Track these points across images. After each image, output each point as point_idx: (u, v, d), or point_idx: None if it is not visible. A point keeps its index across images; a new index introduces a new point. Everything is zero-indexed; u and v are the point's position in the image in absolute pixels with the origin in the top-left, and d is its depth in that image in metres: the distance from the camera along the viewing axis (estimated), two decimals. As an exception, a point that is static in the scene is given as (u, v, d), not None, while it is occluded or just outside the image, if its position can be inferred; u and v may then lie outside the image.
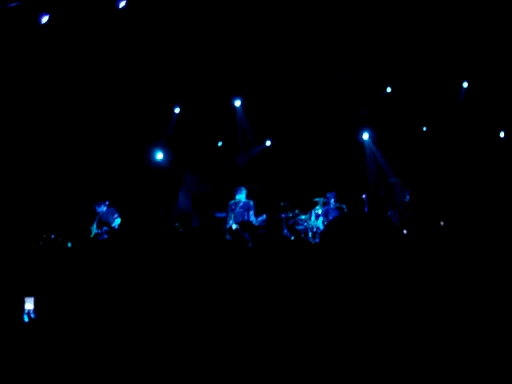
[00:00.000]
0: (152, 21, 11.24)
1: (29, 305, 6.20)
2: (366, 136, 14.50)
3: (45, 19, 10.54)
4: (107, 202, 11.07)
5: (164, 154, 14.15)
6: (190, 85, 13.32)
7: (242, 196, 11.17)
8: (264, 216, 11.54)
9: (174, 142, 14.33)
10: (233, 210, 11.10)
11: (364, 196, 12.37)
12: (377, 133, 14.40)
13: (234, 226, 10.52)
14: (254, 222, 10.60)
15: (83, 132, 12.48)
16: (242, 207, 11.02)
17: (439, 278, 5.45)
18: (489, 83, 13.37)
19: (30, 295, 6.25)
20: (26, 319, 6.17)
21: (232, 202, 11.21)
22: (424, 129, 14.42)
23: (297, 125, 14.15)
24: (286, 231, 11.27)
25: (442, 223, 8.41)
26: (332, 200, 11.24)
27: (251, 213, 11.02)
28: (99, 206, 10.95)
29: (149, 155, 13.99)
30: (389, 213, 11.72)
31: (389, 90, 14.06)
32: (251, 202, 11.14)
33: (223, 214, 12.00)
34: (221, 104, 14.04)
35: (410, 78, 13.46)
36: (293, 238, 10.48)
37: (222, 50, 12.32)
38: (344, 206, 11.12)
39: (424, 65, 12.99)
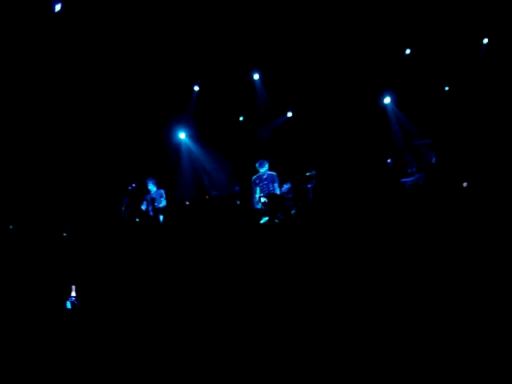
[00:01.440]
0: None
1: (72, 292, 6.31)
2: (387, 100, 14.34)
3: (58, 7, 10.58)
4: (154, 182, 11.35)
5: (186, 133, 14.20)
6: (208, 62, 13.27)
7: (264, 169, 11.09)
8: (289, 184, 11.52)
9: (195, 120, 14.34)
10: (257, 184, 10.99)
11: (389, 160, 12.35)
12: (399, 96, 14.23)
13: (263, 200, 10.49)
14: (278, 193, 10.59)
15: (108, 112, 12.57)
16: (266, 179, 10.94)
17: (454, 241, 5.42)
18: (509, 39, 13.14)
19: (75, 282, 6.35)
20: (69, 306, 6.27)
21: (255, 176, 11.08)
22: (446, 88, 14.22)
23: (317, 94, 14.02)
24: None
25: (464, 184, 8.32)
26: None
27: (275, 185, 10.95)
28: (149, 185, 11.23)
29: (171, 134, 14.06)
30: (416, 175, 11.62)
31: (408, 51, 13.87)
32: (275, 173, 11.04)
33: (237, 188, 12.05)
34: (239, 79, 13.97)
35: (428, 37, 13.27)
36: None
37: (237, 22, 12.25)
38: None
39: (442, 23, 12.79)
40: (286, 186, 11.36)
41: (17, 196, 10.25)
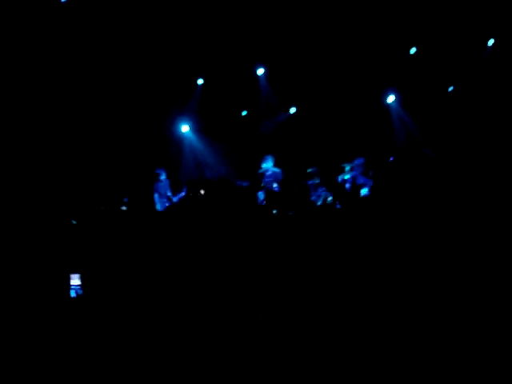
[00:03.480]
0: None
1: (76, 281, 6.33)
2: (391, 99, 14.32)
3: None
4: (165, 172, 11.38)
5: (189, 126, 14.19)
6: (212, 56, 13.29)
7: (268, 165, 11.07)
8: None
9: (198, 113, 14.34)
10: (261, 181, 10.99)
11: (392, 159, 12.34)
12: (402, 95, 14.21)
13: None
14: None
15: (112, 105, 12.59)
16: (270, 176, 10.92)
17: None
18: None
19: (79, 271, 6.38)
20: (73, 294, 6.30)
21: (259, 171, 11.10)
22: (450, 89, 14.22)
23: (321, 90, 14.01)
24: (313, 197, 11.27)
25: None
26: (360, 165, 11.17)
27: (275, 186, 10.88)
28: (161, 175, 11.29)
29: (174, 127, 14.06)
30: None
31: (413, 51, 13.87)
32: (278, 171, 11.01)
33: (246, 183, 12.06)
34: (243, 73, 13.97)
35: (433, 37, 13.27)
36: (319, 203, 10.51)
37: (240, 18, 12.27)
38: (371, 172, 11.05)
39: (447, 24, 12.81)
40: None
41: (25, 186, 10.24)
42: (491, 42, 13.63)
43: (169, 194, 11.27)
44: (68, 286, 6.27)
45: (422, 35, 13.39)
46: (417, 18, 12.86)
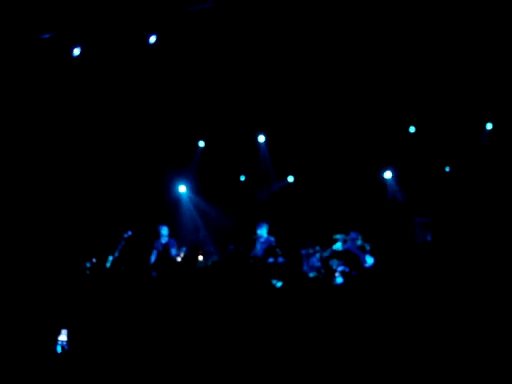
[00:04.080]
0: (181, 56, 11.50)
1: (63, 336, 6.23)
2: (388, 175, 14.46)
3: (77, 51, 10.85)
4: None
5: (187, 187, 14.28)
6: (215, 120, 13.51)
7: (263, 231, 11.04)
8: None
9: (197, 175, 14.47)
10: (255, 246, 10.94)
11: (386, 234, 12.37)
12: (399, 172, 14.36)
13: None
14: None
15: (113, 163, 12.69)
16: (263, 243, 10.88)
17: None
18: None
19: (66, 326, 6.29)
20: (60, 350, 6.19)
21: (253, 237, 11.06)
22: (447, 169, 14.38)
23: (320, 162, 14.17)
24: (305, 267, 11.22)
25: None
26: (354, 238, 11.16)
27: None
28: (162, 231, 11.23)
29: (173, 188, 14.14)
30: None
31: (412, 129, 14.09)
32: (272, 239, 10.97)
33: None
34: (245, 139, 14.17)
35: (433, 117, 13.51)
36: (311, 274, 10.43)
37: (247, 84, 12.52)
38: (367, 246, 11.03)
39: (447, 105, 13.06)
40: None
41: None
42: (489, 126, 13.88)
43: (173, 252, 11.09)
44: (55, 342, 6.17)
45: (421, 114, 13.63)
46: (417, 96, 13.11)
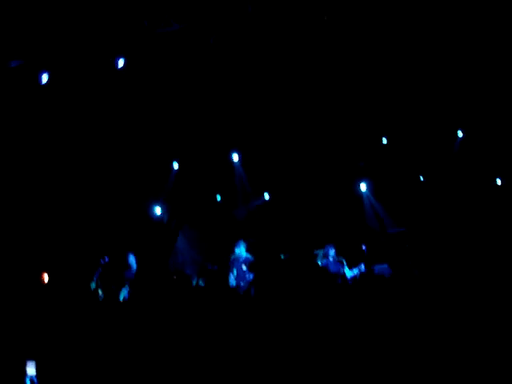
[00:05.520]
0: (151, 78, 11.47)
1: (31, 370, 6.05)
2: (363, 187, 14.53)
3: (45, 79, 10.75)
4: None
5: (162, 209, 14.16)
6: (188, 140, 13.46)
7: (241, 250, 10.98)
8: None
9: (172, 197, 14.37)
10: (234, 266, 10.84)
11: (364, 247, 12.40)
12: (374, 183, 14.44)
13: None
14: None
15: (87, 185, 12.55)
16: (242, 262, 10.79)
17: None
18: (484, 132, 13.58)
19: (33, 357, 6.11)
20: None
21: (233, 257, 10.96)
22: (421, 178, 14.51)
23: (295, 177, 14.19)
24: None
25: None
26: (332, 253, 11.16)
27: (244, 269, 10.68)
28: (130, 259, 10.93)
29: (148, 210, 14.01)
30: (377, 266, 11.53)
31: (384, 141, 14.21)
32: (251, 257, 10.90)
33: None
34: (219, 158, 14.13)
35: (405, 127, 13.64)
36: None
37: (219, 104, 12.52)
38: (343, 260, 11.04)
39: (419, 114, 13.20)
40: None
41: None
42: (460, 133, 14.07)
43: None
44: (23, 375, 6.00)
45: (393, 125, 13.76)
46: (387, 108, 13.24)
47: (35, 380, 6.01)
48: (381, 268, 10.82)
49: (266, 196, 15.12)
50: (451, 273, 7.31)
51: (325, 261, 11.15)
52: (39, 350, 6.16)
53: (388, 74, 12.15)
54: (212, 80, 11.88)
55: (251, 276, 10.58)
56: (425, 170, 14.42)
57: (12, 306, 7.07)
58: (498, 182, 14.11)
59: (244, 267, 10.71)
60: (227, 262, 11.11)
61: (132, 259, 10.91)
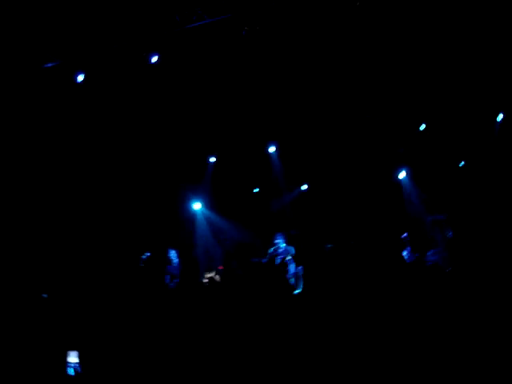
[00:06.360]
0: (186, 72, 11.51)
1: (73, 358, 6.13)
2: (402, 175, 14.31)
3: (80, 78, 10.89)
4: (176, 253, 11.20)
5: (201, 203, 14.21)
6: (225, 134, 13.48)
7: (280, 242, 10.94)
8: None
9: (210, 191, 14.42)
10: (274, 258, 10.81)
11: (405, 235, 12.23)
12: (414, 170, 14.23)
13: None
14: (291, 272, 10.27)
15: (127, 180, 12.68)
16: (282, 253, 10.75)
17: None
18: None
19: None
20: (72, 373, 6.10)
21: (272, 249, 10.94)
22: (461, 164, 14.25)
23: (333, 167, 14.08)
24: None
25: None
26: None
27: (292, 266, 10.60)
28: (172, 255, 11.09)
29: (186, 204, 14.08)
30: (431, 251, 11.38)
31: (423, 127, 13.99)
32: (292, 249, 10.82)
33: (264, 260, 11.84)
34: (256, 151, 14.12)
35: (444, 112, 13.41)
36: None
37: (254, 97, 12.50)
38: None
39: (458, 99, 12.96)
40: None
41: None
42: (500, 116, 13.75)
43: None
44: (64, 364, 6.07)
45: (432, 112, 13.54)
46: (427, 95, 13.03)
47: (78, 368, 6.10)
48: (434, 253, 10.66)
49: (304, 187, 15.03)
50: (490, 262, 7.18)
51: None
52: (83, 340, 6.25)
53: (426, 60, 11.91)
54: (246, 72, 11.86)
55: (293, 268, 10.53)
56: (465, 155, 14.15)
57: (59, 298, 7.20)
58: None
59: (289, 258, 10.64)
60: (267, 254, 11.09)
61: (173, 254, 11.06)
